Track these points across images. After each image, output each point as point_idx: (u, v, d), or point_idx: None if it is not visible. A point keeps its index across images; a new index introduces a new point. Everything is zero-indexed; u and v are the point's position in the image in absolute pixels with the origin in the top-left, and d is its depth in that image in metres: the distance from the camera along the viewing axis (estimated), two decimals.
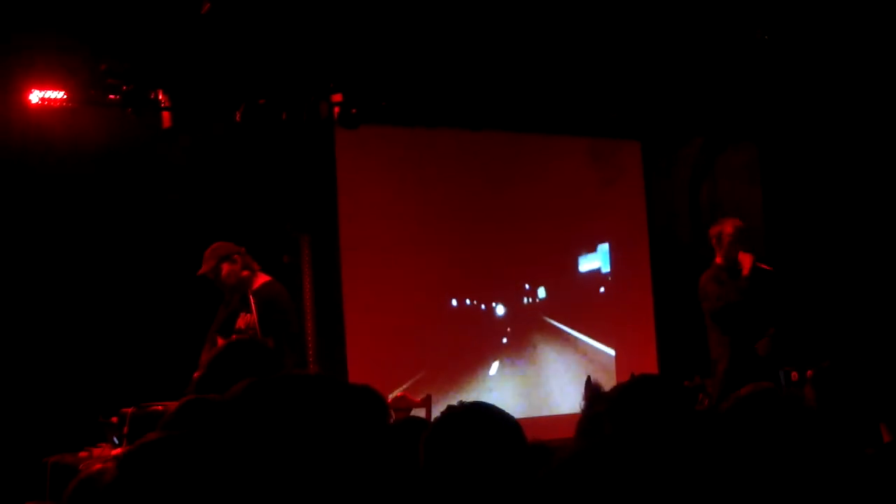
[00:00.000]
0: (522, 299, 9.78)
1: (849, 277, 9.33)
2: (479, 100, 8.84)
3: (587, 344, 9.95)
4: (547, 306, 9.83)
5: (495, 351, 9.57)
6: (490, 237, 9.54)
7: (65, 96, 7.40)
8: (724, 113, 9.52)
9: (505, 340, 9.62)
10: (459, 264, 9.38)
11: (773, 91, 9.02)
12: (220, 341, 6.46)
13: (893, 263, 9.17)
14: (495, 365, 9.54)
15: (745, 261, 7.19)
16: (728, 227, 7.30)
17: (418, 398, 7.79)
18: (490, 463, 2.43)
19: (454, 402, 2.70)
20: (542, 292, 9.81)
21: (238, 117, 7.67)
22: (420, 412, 7.37)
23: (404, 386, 8.49)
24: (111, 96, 7.41)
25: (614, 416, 2.82)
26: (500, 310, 9.64)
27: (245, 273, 6.63)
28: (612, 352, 10.01)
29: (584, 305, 10.01)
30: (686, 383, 8.64)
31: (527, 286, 9.77)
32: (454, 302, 9.40)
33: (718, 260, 7.31)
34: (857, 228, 9.38)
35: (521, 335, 9.70)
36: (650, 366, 9.86)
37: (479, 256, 9.48)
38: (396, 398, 7.87)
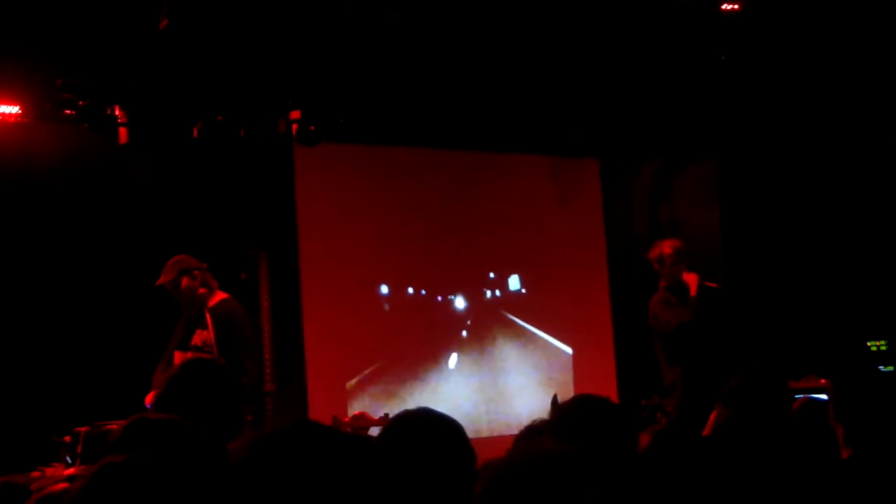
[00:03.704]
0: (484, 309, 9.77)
1: (806, 294, 9.41)
2: (437, 118, 8.85)
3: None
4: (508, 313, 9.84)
5: (453, 359, 9.54)
6: (448, 255, 9.53)
7: (20, 111, 7.33)
8: (682, 132, 9.58)
9: (467, 339, 9.61)
10: (417, 281, 9.37)
11: (731, 110, 9.10)
12: (178, 356, 6.40)
13: (851, 279, 9.27)
14: (454, 359, 9.51)
15: (691, 281, 7.05)
16: (667, 247, 7.14)
17: (376, 417, 7.77)
18: (434, 467, 2.42)
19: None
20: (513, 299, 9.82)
21: (196, 134, 7.62)
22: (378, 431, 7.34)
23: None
24: (67, 111, 7.34)
25: (555, 435, 2.84)
26: (458, 317, 9.63)
27: (203, 291, 6.58)
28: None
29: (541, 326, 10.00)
30: (643, 402, 8.65)
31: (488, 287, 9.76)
32: (415, 320, 9.37)
33: (663, 283, 7.17)
34: (814, 246, 9.47)
35: (483, 347, 9.69)
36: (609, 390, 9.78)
37: (436, 274, 9.47)
38: (355, 416, 7.85)
